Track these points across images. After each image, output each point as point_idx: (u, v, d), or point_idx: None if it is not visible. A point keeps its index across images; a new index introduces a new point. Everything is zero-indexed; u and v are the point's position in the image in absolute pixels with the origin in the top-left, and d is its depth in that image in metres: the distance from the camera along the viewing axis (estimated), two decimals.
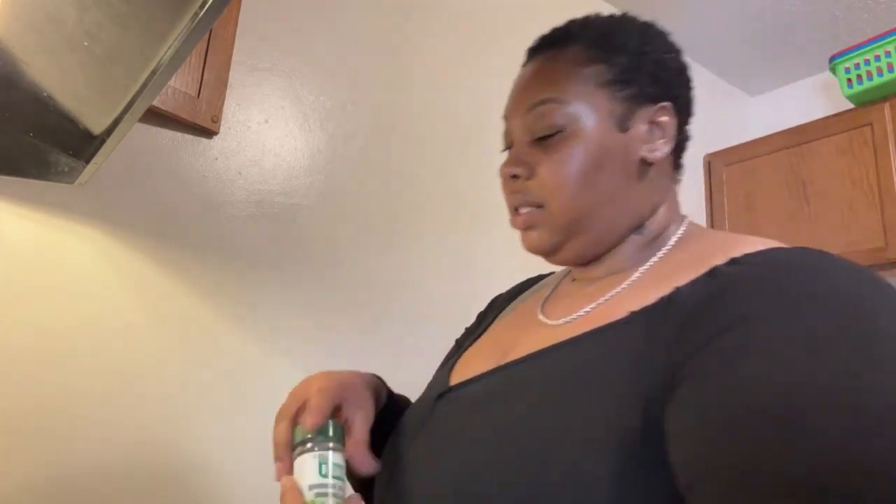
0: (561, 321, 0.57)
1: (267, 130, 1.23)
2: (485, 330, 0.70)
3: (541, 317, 0.61)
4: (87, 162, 0.78)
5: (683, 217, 0.62)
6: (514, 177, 0.59)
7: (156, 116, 1.06)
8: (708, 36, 2.14)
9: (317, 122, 1.30)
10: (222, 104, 1.12)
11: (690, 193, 2.15)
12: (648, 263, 0.57)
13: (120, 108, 0.62)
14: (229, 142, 1.17)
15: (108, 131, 0.68)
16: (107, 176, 1.01)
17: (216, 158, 1.15)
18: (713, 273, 0.46)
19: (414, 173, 1.44)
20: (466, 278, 1.46)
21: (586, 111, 0.57)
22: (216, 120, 1.11)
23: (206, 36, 1.09)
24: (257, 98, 1.22)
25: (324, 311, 1.24)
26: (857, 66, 1.86)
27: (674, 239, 0.58)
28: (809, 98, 2.34)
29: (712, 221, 2.14)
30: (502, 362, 0.56)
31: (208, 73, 1.09)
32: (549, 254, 0.60)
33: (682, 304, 0.45)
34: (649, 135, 0.58)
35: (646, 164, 0.58)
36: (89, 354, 0.96)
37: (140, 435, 0.99)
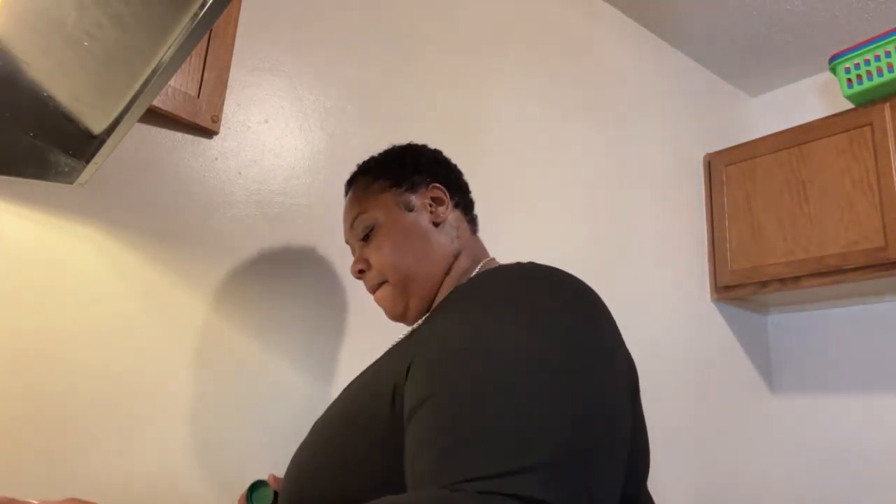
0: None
1: (267, 130, 1.23)
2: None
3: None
4: (87, 162, 0.78)
5: (489, 259, 0.85)
6: (361, 272, 0.83)
7: (156, 116, 1.06)
8: (708, 36, 2.14)
9: (317, 122, 1.30)
10: (222, 104, 1.12)
11: (690, 193, 2.15)
12: (444, 295, 0.78)
13: (120, 108, 0.62)
14: (229, 142, 1.17)
15: (108, 131, 0.68)
16: (107, 176, 1.01)
17: (216, 158, 1.15)
18: (454, 290, 0.70)
19: None
20: None
21: (381, 211, 0.83)
22: (216, 120, 1.11)
23: (206, 36, 1.09)
24: (257, 98, 1.22)
25: (324, 310, 1.24)
26: (857, 66, 1.86)
27: (472, 274, 0.78)
28: (809, 98, 2.34)
29: (712, 221, 2.14)
30: None
31: (208, 73, 1.09)
32: (402, 316, 0.82)
33: (441, 306, 0.68)
34: (433, 206, 0.84)
35: (437, 224, 0.83)
36: (89, 354, 0.96)
37: (139, 435, 0.99)
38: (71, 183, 0.84)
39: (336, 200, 1.30)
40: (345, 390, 0.76)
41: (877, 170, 1.77)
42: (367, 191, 0.85)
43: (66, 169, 0.81)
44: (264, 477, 0.86)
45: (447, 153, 1.53)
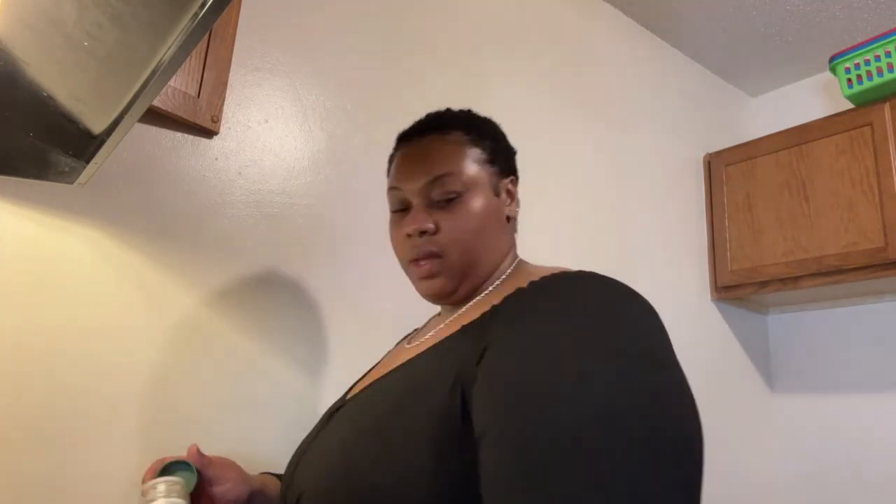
0: (414, 344, 0.76)
1: (267, 130, 1.23)
2: (380, 361, 0.88)
3: (406, 345, 0.80)
4: (87, 162, 0.78)
5: (517, 258, 0.80)
6: (423, 232, 0.72)
7: (156, 116, 1.06)
8: (708, 36, 2.14)
9: (317, 122, 1.30)
10: (222, 104, 1.12)
11: (690, 193, 2.15)
12: (483, 293, 0.74)
13: (120, 108, 0.62)
14: (229, 142, 1.17)
15: (108, 131, 0.68)
16: (107, 176, 1.01)
17: (216, 158, 1.15)
18: (514, 294, 0.63)
19: None
20: None
21: (474, 181, 0.74)
22: (216, 120, 1.11)
23: (206, 36, 1.09)
24: (257, 98, 1.22)
25: (324, 310, 1.24)
26: (857, 66, 1.86)
27: (504, 275, 0.75)
28: (809, 98, 2.34)
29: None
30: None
31: (208, 73, 1.09)
32: (445, 296, 0.74)
33: (493, 314, 0.62)
34: (507, 199, 0.78)
35: (508, 220, 0.78)
36: (89, 354, 0.96)
37: (139, 434, 0.99)
38: (71, 183, 0.84)
39: (336, 200, 1.30)
40: (378, 382, 0.70)
41: (877, 170, 1.77)
42: (464, 151, 0.75)
43: (66, 169, 0.81)
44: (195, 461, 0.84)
45: None
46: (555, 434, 0.44)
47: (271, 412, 1.13)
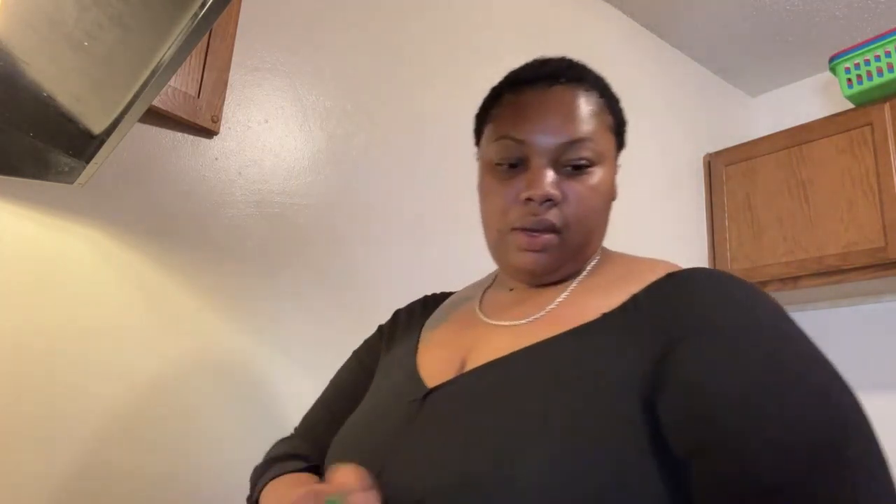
0: (523, 321, 0.62)
1: (267, 130, 1.23)
2: (415, 341, 0.72)
3: (492, 321, 0.66)
4: (87, 162, 0.78)
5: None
6: (549, 200, 0.61)
7: (156, 116, 1.06)
8: (708, 36, 2.14)
9: (317, 122, 1.30)
10: (222, 104, 1.12)
11: (690, 193, 2.15)
12: (581, 276, 0.66)
13: (120, 108, 0.62)
14: (229, 142, 1.17)
15: (108, 131, 0.68)
16: (107, 176, 1.01)
17: (216, 158, 1.15)
18: (658, 286, 0.57)
19: (414, 173, 1.44)
20: (466, 277, 1.46)
21: (606, 153, 0.65)
22: (216, 120, 1.11)
23: (206, 36, 1.09)
24: (257, 98, 1.22)
25: (324, 310, 1.24)
26: (857, 66, 1.86)
27: (596, 258, 0.68)
28: (809, 98, 2.34)
29: (712, 221, 2.14)
30: (471, 360, 0.61)
31: (208, 73, 1.09)
32: (544, 276, 0.65)
33: (648, 309, 0.55)
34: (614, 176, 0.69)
35: (613, 198, 0.68)
36: (88, 355, 0.96)
37: (139, 435, 0.99)
38: (71, 183, 0.84)
39: (336, 200, 1.30)
40: (495, 366, 0.57)
41: (877, 170, 1.77)
42: (601, 117, 0.65)
43: (66, 169, 0.81)
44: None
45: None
46: (815, 450, 0.42)
47: (271, 412, 1.13)
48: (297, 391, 1.16)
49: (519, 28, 1.75)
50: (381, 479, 0.54)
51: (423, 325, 0.76)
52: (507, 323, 0.64)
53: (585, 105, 0.64)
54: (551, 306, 0.62)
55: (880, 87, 1.81)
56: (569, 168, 0.62)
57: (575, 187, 0.62)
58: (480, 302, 0.72)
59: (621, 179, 0.71)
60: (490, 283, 0.76)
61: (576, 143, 0.62)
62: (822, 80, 2.31)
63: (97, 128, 0.70)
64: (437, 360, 0.65)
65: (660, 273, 0.58)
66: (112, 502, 0.94)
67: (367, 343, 0.83)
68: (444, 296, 0.84)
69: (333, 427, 0.70)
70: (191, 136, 1.12)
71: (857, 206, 1.79)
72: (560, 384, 0.52)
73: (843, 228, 1.81)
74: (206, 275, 1.10)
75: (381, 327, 0.84)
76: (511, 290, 0.70)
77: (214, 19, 0.45)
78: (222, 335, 1.10)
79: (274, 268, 1.19)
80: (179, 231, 1.08)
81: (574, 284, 0.65)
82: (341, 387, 0.80)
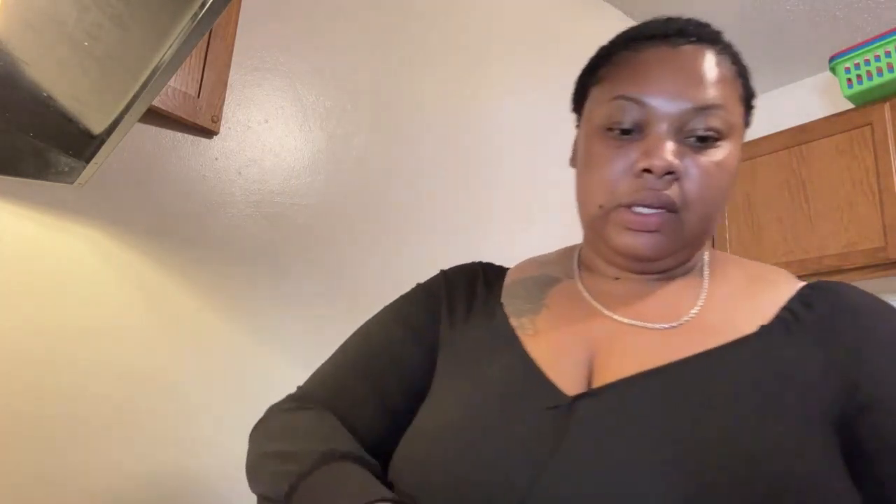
0: (665, 325, 0.54)
1: (267, 130, 1.23)
2: (506, 323, 0.60)
3: (616, 316, 0.56)
4: (87, 162, 0.78)
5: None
6: (670, 173, 0.52)
7: (156, 116, 1.06)
8: None
9: (317, 122, 1.30)
10: (222, 104, 1.12)
11: None
12: (706, 274, 0.59)
13: (120, 108, 0.62)
14: (229, 142, 1.17)
15: (108, 131, 0.68)
16: (107, 176, 1.01)
17: (216, 158, 1.15)
18: (811, 297, 0.54)
19: (414, 173, 1.44)
20: None
21: (736, 127, 0.56)
22: (216, 120, 1.11)
23: (206, 36, 1.09)
24: (257, 98, 1.22)
25: (324, 311, 1.24)
26: (857, 66, 1.86)
27: (707, 253, 0.61)
28: (809, 98, 2.34)
29: None
30: (604, 362, 0.52)
31: (208, 73, 1.09)
32: (654, 261, 0.56)
33: (811, 322, 0.52)
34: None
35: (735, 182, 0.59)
36: (88, 355, 0.96)
37: (139, 434, 0.99)
38: (71, 183, 0.84)
39: (336, 200, 1.30)
40: (662, 375, 0.50)
41: (877, 170, 1.77)
42: (734, 86, 0.57)
43: (66, 169, 0.81)
44: None
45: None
46: None
47: None
48: None
49: (519, 28, 1.75)
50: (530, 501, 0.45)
51: (499, 302, 0.63)
52: (643, 324, 0.55)
53: (718, 69, 0.55)
54: (694, 311, 0.55)
55: (880, 87, 1.81)
56: (693, 139, 0.54)
57: (700, 161, 0.53)
58: (585, 288, 0.61)
59: None
60: (577, 265, 0.65)
61: (705, 110, 0.53)
62: (822, 80, 2.31)
63: (97, 128, 0.70)
64: (556, 356, 0.55)
65: (793, 283, 0.56)
66: (112, 502, 0.94)
67: (416, 304, 0.69)
68: (501, 270, 0.71)
69: (386, 414, 0.59)
70: (191, 136, 1.12)
71: (857, 206, 1.79)
72: (751, 396, 0.47)
73: (843, 228, 1.81)
74: (206, 275, 1.10)
75: (430, 289, 0.70)
76: (616, 279, 0.60)
77: (214, 19, 0.45)
78: (222, 335, 1.10)
79: (274, 268, 1.19)
80: (179, 231, 1.08)
81: (706, 285, 0.57)
82: (386, 358, 0.65)
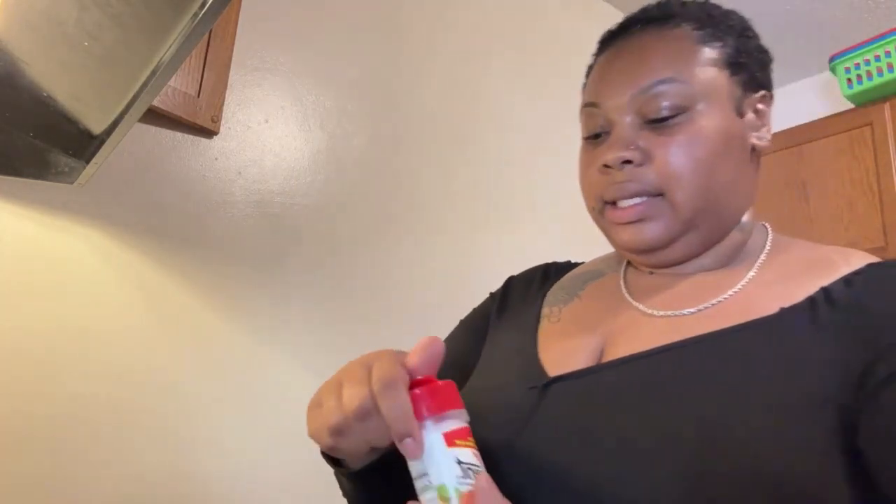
0: (684, 311, 0.53)
1: (267, 130, 1.23)
2: (536, 313, 0.64)
3: (642, 306, 0.56)
4: (87, 162, 0.78)
5: (761, 223, 0.61)
6: (627, 162, 0.53)
7: (156, 116, 1.06)
8: None
9: (317, 122, 1.30)
10: (222, 104, 1.12)
11: None
12: (759, 262, 0.55)
13: (120, 108, 0.62)
14: (229, 142, 1.17)
15: (108, 131, 0.68)
16: (107, 176, 1.01)
17: (216, 158, 1.15)
18: (856, 279, 0.48)
19: (414, 173, 1.44)
20: (465, 278, 1.46)
21: (708, 92, 0.53)
22: (216, 120, 1.11)
23: (206, 36, 1.09)
24: (257, 98, 1.22)
25: (324, 310, 1.24)
26: (857, 66, 1.86)
27: (769, 240, 0.58)
28: (809, 98, 2.34)
29: None
30: (612, 348, 0.53)
31: (208, 73, 1.09)
32: (655, 250, 0.55)
33: (846, 305, 0.46)
34: (756, 122, 0.56)
35: (755, 151, 0.56)
36: (88, 355, 0.96)
37: (139, 435, 0.99)
38: (71, 183, 0.84)
39: (336, 200, 1.30)
40: (655, 359, 0.50)
41: (877, 170, 1.77)
42: (694, 50, 0.54)
43: (66, 169, 0.81)
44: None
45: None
46: None
47: (271, 412, 1.13)
48: (297, 391, 1.16)
49: (519, 28, 1.75)
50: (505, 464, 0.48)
51: (544, 296, 0.66)
52: (663, 313, 0.54)
53: (667, 43, 0.54)
54: (722, 297, 0.52)
55: (880, 87, 1.81)
56: (657, 121, 0.53)
57: (662, 142, 0.52)
58: (625, 281, 0.62)
59: None
60: (626, 261, 0.65)
61: (654, 88, 0.53)
62: (822, 80, 2.31)
63: (97, 128, 0.70)
64: (567, 342, 0.57)
65: (855, 264, 0.49)
66: (112, 502, 0.94)
67: (476, 310, 0.74)
68: (569, 266, 0.73)
69: None
70: (191, 136, 1.12)
71: (857, 206, 1.79)
72: (739, 382, 0.45)
73: (843, 228, 1.81)
74: (206, 275, 1.10)
75: (492, 293, 0.75)
76: (651, 272, 0.60)
77: (214, 19, 0.45)
78: (222, 334, 1.10)
79: (274, 267, 1.19)
80: (179, 231, 1.08)
81: (753, 273, 0.54)
82: (449, 356, 0.63)
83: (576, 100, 0.67)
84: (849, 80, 1.88)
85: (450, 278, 1.45)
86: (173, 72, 0.53)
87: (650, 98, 0.53)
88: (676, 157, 0.52)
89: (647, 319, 0.55)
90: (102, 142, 0.71)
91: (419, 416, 0.40)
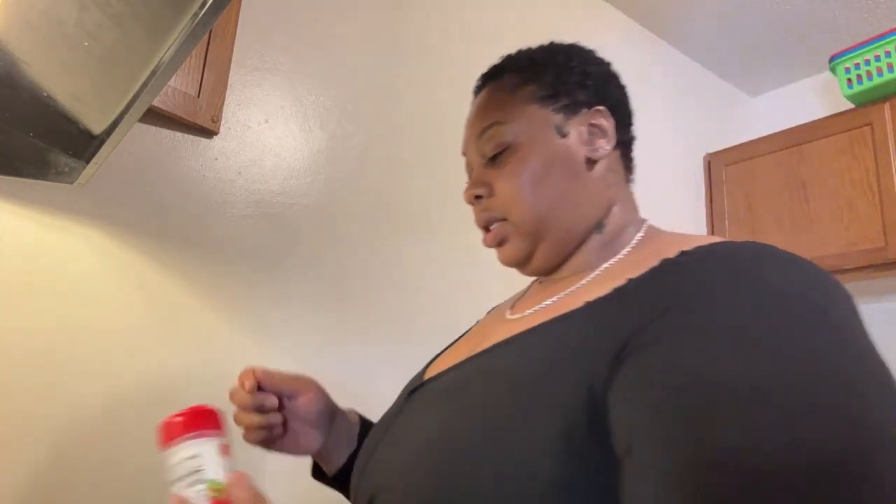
0: (524, 314, 0.61)
1: (267, 130, 1.23)
2: (464, 334, 0.75)
3: (508, 314, 0.66)
4: (87, 162, 0.78)
5: (643, 220, 0.65)
6: (478, 197, 0.64)
7: (156, 116, 1.06)
8: (708, 36, 2.14)
9: (317, 122, 1.30)
10: (222, 104, 1.12)
11: (690, 193, 2.15)
12: (610, 262, 0.60)
13: (120, 108, 0.62)
14: (229, 142, 1.17)
15: (108, 131, 0.68)
16: (107, 176, 1.01)
17: (216, 158, 1.15)
18: (662, 264, 0.49)
19: (414, 173, 1.44)
20: (465, 278, 1.46)
21: (526, 126, 0.63)
22: (216, 120, 1.11)
23: (206, 36, 1.09)
24: (257, 98, 1.22)
25: (324, 310, 1.24)
26: (857, 66, 1.86)
27: (635, 240, 0.61)
28: (809, 98, 2.34)
29: (712, 221, 2.14)
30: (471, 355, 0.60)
31: (208, 73, 1.09)
32: (522, 264, 0.64)
33: (632, 291, 0.48)
34: (590, 137, 0.63)
35: (591, 162, 0.63)
36: (89, 353, 0.96)
37: (139, 435, 0.99)
38: (71, 183, 0.84)
39: (336, 200, 1.30)
40: (471, 361, 0.57)
41: (877, 170, 1.77)
42: (512, 95, 0.65)
43: (66, 169, 0.81)
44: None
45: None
46: (737, 472, 0.34)
47: None
48: None
49: (519, 28, 1.75)
50: (363, 476, 0.59)
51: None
52: (513, 316, 0.63)
53: (493, 94, 0.67)
54: (555, 298, 0.59)
55: (880, 87, 1.81)
56: (494, 158, 0.64)
57: (497, 175, 0.63)
58: (523, 294, 0.71)
59: None
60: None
61: (482, 135, 0.64)
62: (822, 80, 2.31)
63: (97, 128, 0.70)
64: (450, 356, 0.66)
65: (680, 249, 0.49)
66: (112, 502, 0.94)
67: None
68: None
69: None
70: (191, 136, 1.12)
71: (857, 206, 1.79)
72: (504, 387, 0.49)
73: (843, 228, 1.81)
74: (206, 275, 1.10)
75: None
76: (540, 282, 0.69)
77: (214, 19, 0.45)
78: (222, 335, 1.10)
79: (274, 267, 1.19)
80: (179, 231, 1.08)
81: (597, 272, 0.59)
82: None
83: None
84: (849, 80, 1.88)
85: (449, 278, 1.45)
86: (173, 72, 0.53)
87: (483, 141, 0.64)
88: (507, 185, 0.62)
89: (505, 324, 0.63)
90: (102, 142, 0.71)
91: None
